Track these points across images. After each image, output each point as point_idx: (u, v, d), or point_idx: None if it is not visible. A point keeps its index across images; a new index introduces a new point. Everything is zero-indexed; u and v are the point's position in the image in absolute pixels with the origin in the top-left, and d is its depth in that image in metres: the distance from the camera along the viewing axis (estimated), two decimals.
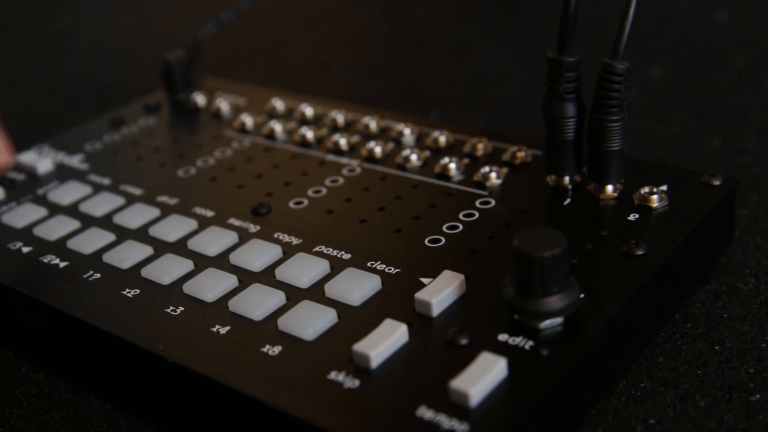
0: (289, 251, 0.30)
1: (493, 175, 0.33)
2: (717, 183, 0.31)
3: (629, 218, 0.30)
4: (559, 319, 0.25)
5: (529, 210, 0.31)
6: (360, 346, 0.25)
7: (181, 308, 0.28)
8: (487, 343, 0.25)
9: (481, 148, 0.35)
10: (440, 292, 0.26)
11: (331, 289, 0.28)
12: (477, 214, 0.31)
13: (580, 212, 0.31)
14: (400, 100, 0.49)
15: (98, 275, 0.30)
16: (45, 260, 0.31)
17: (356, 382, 0.24)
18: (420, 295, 0.26)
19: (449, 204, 0.32)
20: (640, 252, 0.28)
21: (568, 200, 0.31)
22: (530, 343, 0.25)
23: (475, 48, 0.55)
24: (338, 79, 0.53)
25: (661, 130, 0.42)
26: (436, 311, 0.26)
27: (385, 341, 0.25)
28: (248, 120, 0.39)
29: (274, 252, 0.30)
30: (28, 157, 0.38)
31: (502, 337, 0.25)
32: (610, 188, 0.31)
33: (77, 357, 0.30)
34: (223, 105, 0.41)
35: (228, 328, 0.27)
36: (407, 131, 0.37)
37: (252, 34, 0.62)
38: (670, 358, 0.28)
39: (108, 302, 0.29)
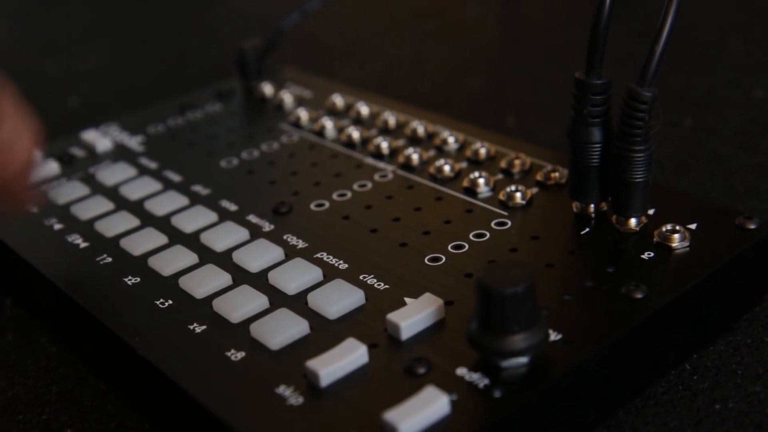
0: (290, 255, 0.30)
1: (518, 195, 0.31)
2: (752, 227, 0.28)
3: (643, 256, 0.28)
4: (523, 359, 0.24)
5: (543, 236, 0.29)
6: (313, 363, 0.24)
7: (170, 302, 0.28)
8: (443, 376, 0.24)
9: (518, 164, 0.33)
10: (412, 316, 0.26)
11: (313, 299, 0.27)
12: (488, 235, 0.30)
13: (594, 244, 0.29)
14: (481, 103, 0.47)
15: (110, 260, 0.31)
16: (70, 239, 0.32)
17: (300, 400, 0.24)
18: (391, 316, 0.26)
19: (465, 221, 0.31)
20: (638, 295, 0.26)
21: (587, 230, 0.29)
22: (486, 381, 0.23)
23: (575, 52, 0.52)
24: (428, 76, 0.52)
25: (742, 157, 0.39)
26: (405, 335, 0.25)
27: (341, 360, 0.24)
28: (303, 114, 0.39)
29: (275, 254, 0.30)
30: (89, 135, 0.40)
31: (461, 371, 0.24)
32: (633, 221, 0.29)
33: (77, 334, 0.31)
34: (287, 97, 0.41)
35: (204, 327, 0.27)
36: (451, 139, 0.36)
37: (359, 23, 0.62)
38: (663, 411, 0.26)
39: (107, 288, 0.29)
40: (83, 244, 0.32)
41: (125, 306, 0.28)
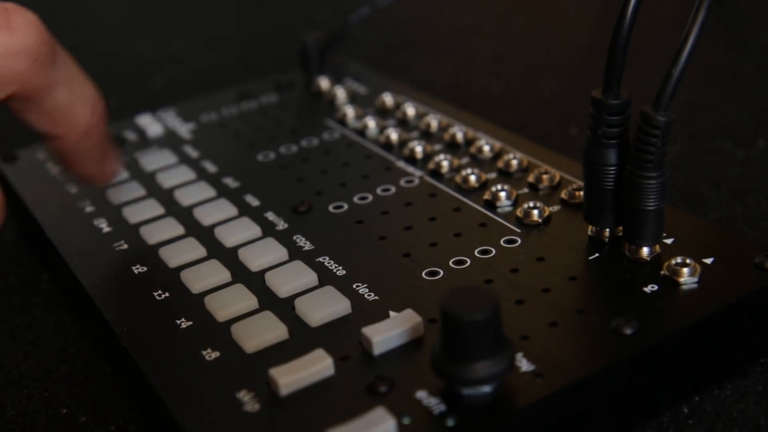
0: (294, 256, 0.30)
1: (536, 212, 0.30)
2: None
3: (645, 289, 0.26)
4: (486, 388, 0.23)
5: (549, 258, 0.28)
6: (276, 371, 0.24)
7: (167, 294, 0.29)
8: (403, 397, 0.23)
9: (546, 179, 0.32)
10: (387, 331, 0.25)
11: (299, 304, 0.27)
12: (493, 252, 0.29)
13: (599, 271, 0.27)
14: (548, 108, 0.46)
15: (125, 246, 0.31)
16: (95, 222, 0.33)
17: (256, 407, 0.24)
18: (366, 330, 0.25)
19: (475, 235, 0.30)
20: (627, 331, 0.25)
21: (596, 255, 0.28)
22: (442, 408, 0.23)
23: (659, 59, 0.50)
24: (503, 76, 0.51)
25: None
26: (377, 350, 0.25)
27: (305, 371, 0.24)
28: (350, 112, 0.39)
29: (278, 254, 0.30)
30: (143, 120, 0.41)
31: (420, 394, 0.23)
32: (645, 251, 0.28)
33: (85, 316, 0.32)
34: (339, 93, 0.41)
35: (190, 323, 0.27)
36: (486, 148, 0.35)
37: (447, 17, 0.61)
38: None
39: (113, 275, 0.30)
40: (107, 229, 0.33)
41: (125, 294, 0.29)
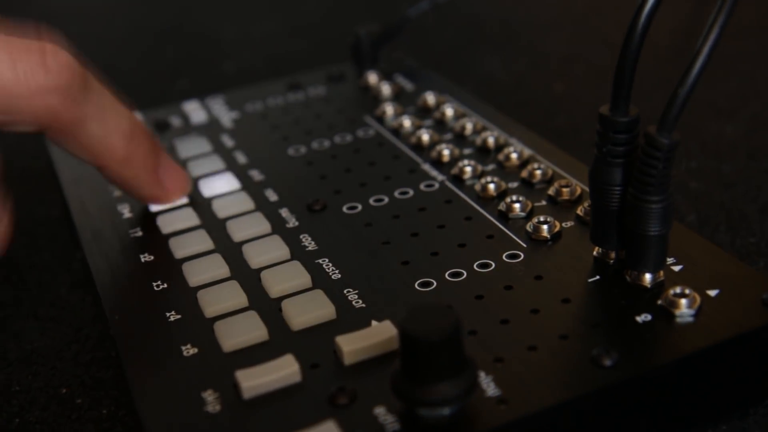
0: (295, 256, 0.30)
1: (545, 227, 0.29)
2: None
3: (638, 318, 0.25)
4: (444, 410, 0.22)
5: (548, 277, 0.27)
6: (241, 373, 0.24)
7: (165, 285, 0.29)
8: (360, 412, 0.23)
9: (566, 192, 0.31)
10: (360, 342, 0.25)
11: (285, 307, 0.27)
12: (492, 266, 0.28)
13: (595, 295, 0.26)
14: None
15: (140, 234, 0.32)
16: (119, 208, 0.34)
17: (217, 408, 0.24)
18: (339, 339, 0.25)
19: (479, 247, 0.29)
20: (606, 362, 0.23)
21: (597, 278, 0.27)
22: (396, 427, 0.22)
23: (735, 67, 0.48)
24: (567, 78, 0.49)
25: None
26: (348, 360, 0.25)
27: (270, 375, 0.24)
28: (389, 109, 0.39)
29: (279, 253, 0.30)
30: (189, 106, 0.41)
31: (379, 410, 0.23)
32: (648, 277, 0.26)
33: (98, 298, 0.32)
34: (385, 89, 0.41)
35: (179, 317, 0.27)
36: (514, 156, 0.34)
37: (528, 13, 0.59)
38: None
39: (121, 262, 0.31)
40: (127, 215, 0.33)
41: (126, 281, 0.29)
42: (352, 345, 0.25)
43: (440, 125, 0.37)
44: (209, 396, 0.24)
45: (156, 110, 0.41)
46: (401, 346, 0.22)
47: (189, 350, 0.26)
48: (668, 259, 0.27)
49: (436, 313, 0.22)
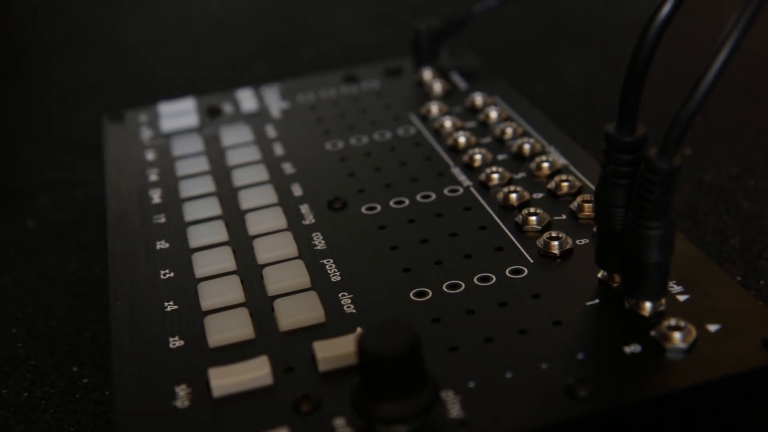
0: (301, 255, 0.30)
1: (556, 244, 0.28)
2: None
3: (626, 349, 0.24)
4: (401, 428, 0.22)
5: (546, 297, 0.26)
6: (213, 371, 0.24)
7: (171, 275, 0.29)
8: (320, 421, 0.23)
9: (587, 208, 0.30)
10: (336, 349, 0.24)
11: (277, 306, 0.27)
12: (492, 280, 0.27)
13: (589, 320, 0.25)
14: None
15: (162, 220, 0.33)
16: (150, 192, 0.34)
17: (186, 404, 0.24)
18: (317, 344, 0.25)
19: (484, 259, 0.28)
20: (581, 393, 0.22)
21: (596, 301, 0.26)
22: None
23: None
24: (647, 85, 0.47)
25: None
26: (322, 367, 0.24)
27: (241, 376, 0.24)
28: (434, 108, 0.38)
29: (286, 251, 0.30)
30: (242, 94, 0.41)
31: (338, 422, 0.23)
32: (647, 306, 0.25)
33: None
34: (436, 87, 0.40)
35: (176, 307, 0.28)
36: (545, 165, 0.32)
37: (617, 9, 0.57)
38: None
39: (137, 247, 0.31)
40: (156, 200, 0.34)
41: (137, 268, 0.30)
42: (328, 352, 0.24)
43: (483, 128, 0.37)
44: (182, 391, 0.24)
45: (211, 96, 0.42)
46: (359, 362, 0.22)
47: (176, 342, 0.26)
48: (676, 288, 0.26)
49: (395, 331, 0.22)
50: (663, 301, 0.25)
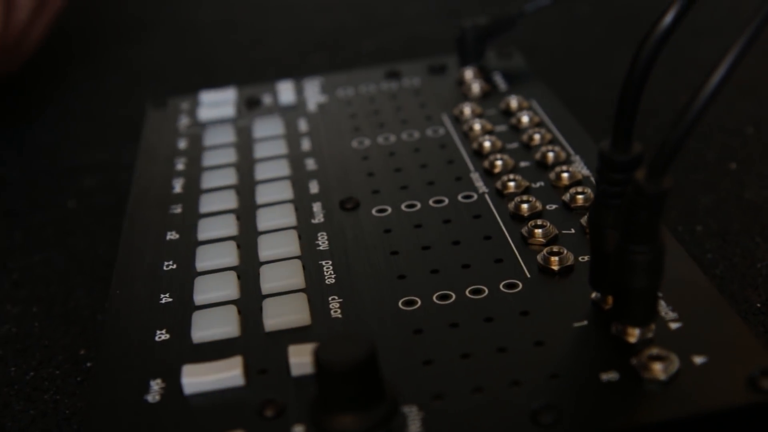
0: (303, 254, 0.29)
1: (556, 259, 0.27)
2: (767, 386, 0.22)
3: (603, 377, 0.23)
4: None
5: (535, 314, 0.25)
6: (187, 368, 0.24)
7: (173, 267, 0.30)
8: (277, 427, 0.23)
9: None
10: (310, 354, 0.24)
11: (265, 305, 0.27)
12: (485, 293, 0.27)
13: (572, 343, 0.24)
14: (726, 135, 0.40)
15: (178, 211, 0.33)
16: (174, 182, 0.35)
17: (156, 398, 0.24)
18: (291, 348, 0.25)
19: (482, 271, 0.28)
20: (544, 419, 0.22)
21: (584, 323, 0.25)
22: None
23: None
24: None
25: None
26: (295, 372, 0.24)
27: (213, 375, 0.24)
28: (467, 110, 0.37)
29: (288, 249, 0.30)
30: (283, 86, 0.42)
31: (298, 429, 0.22)
32: (634, 332, 0.24)
33: None
34: (474, 87, 0.39)
35: (170, 301, 0.28)
36: (565, 175, 0.31)
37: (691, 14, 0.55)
38: None
39: (148, 237, 0.32)
40: (177, 190, 0.34)
41: (144, 258, 0.30)
42: (302, 356, 0.24)
43: (513, 132, 0.36)
44: (156, 385, 0.25)
45: (253, 87, 0.42)
46: (315, 372, 0.21)
47: (162, 335, 0.27)
48: (670, 314, 0.25)
49: (353, 343, 0.21)
50: (653, 327, 0.24)
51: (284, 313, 0.26)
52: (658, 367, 0.23)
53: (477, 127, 0.36)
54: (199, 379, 0.24)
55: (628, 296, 0.24)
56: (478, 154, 0.34)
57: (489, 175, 0.33)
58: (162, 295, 0.28)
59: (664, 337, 0.24)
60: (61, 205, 0.41)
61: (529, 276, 0.27)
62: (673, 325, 0.24)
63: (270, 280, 0.28)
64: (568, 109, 0.37)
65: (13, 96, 0.52)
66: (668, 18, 0.22)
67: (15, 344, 0.32)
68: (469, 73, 0.41)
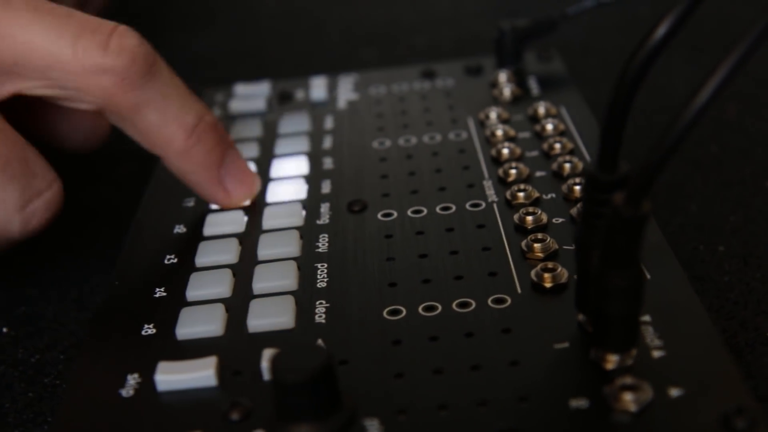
0: (301, 256, 0.29)
1: (548, 276, 0.26)
2: (741, 426, 0.21)
3: (572, 404, 0.22)
4: None
5: (517, 332, 0.25)
6: (162, 365, 0.25)
7: (174, 261, 0.30)
8: (237, 431, 0.23)
9: None
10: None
11: (252, 306, 0.27)
12: (472, 307, 0.26)
13: (548, 365, 0.24)
14: (763, 149, 0.39)
15: (191, 204, 0.33)
16: None
17: (130, 393, 0.24)
18: (266, 351, 0.25)
19: (473, 284, 0.27)
20: None
21: (565, 345, 0.24)
22: None
23: None
24: (746, 102, 0.43)
25: None
26: (267, 375, 0.24)
27: (185, 374, 0.24)
28: (493, 114, 0.37)
29: (287, 249, 0.30)
30: (316, 82, 0.42)
31: None
32: (611, 358, 0.23)
33: None
34: (506, 91, 0.39)
35: (164, 295, 0.28)
36: (577, 188, 0.31)
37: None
38: None
39: (156, 231, 0.32)
40: None
41: (148, 251, 0.31)
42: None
43: (537, 140, 0.35)
44: (132, 379, 0.25)
45: (288, 81, 0.42)
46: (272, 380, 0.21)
47: (149, 330, 0.27)
48: (656, 342, 0.24)
49: (310, 355, 0.21)
50: (633, 354, 0.23)
51: (268, 315, 0.26)
52: (628, 398, 0.22)
53: (499, 132, 0.35)
54: (172, 376, 0.24)
55: (606, 321, 0.23)
56: (496, 161, 0.34)
57: (502, 183, 0.32)
58: (157, 289, 0.29)
59: (645, 365, 0.23)
60: (94, 191, 0.42)
61: (519, 292, 0.27)
62: (656, 354, 0.23)
63: (262, 280, 0.28)
64: (596, 118, 0.36)
65: None
66: (657, 35, 0.21)
67: (28, 326, 0.33)
68: (502, 76, 0.40)
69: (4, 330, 0.33)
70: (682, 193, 0.36)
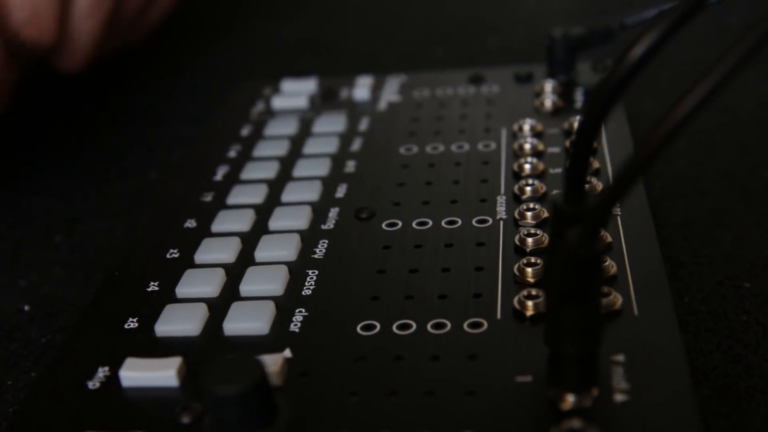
0: (297, 261, 0.29)
1: (530, 304, 0.26)
2: None
3: None
4: None
5: (483, 360, 0.24)
6: (129, 361, 0.25)
7: (176, 255, 0.30)
8: None
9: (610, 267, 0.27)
10: None
11: (232, 308, 0.27)
12: (447, 328, 0.25)
13: (502, 399, 0.23)
14: None
15: (209, 199, 0.34)
16: (217, 169, 0.36)
17: (96, 385, 0.25)
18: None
19: (455, 305, 0.26)
20: None
21: (528, 379, 0.23)
22: None
23: None
24: None
25: None
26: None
27: (149, 372, 0.25)
28: (526, 126, 0.36)
29: (284, 252, 0.29)
30: (362, 81, 0.41)
31: None
32: (566, 398, 0.22)
33: None
34: (547, 102, 0.37)
35: (157, 290, 0.29)
36: None
37: None
38: None
39: (166, 224, 0.32)
40: (218, 178, 0.35)
41: (154, 244, 0.31)
42: None
43: (565, 156, 0.34)
44: (102, 372, 0.25)
45: (335, 79, 0.42)
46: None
47: (131, 323, 0.27)
48: (623, 384, 0.23)
49: (242, 368, 0.21)
50: (593, 395, 0.22)
51: (245, 319, 0.26)
52: None
53: (527, 146, 0.34)
54: (136, 373, 0.25)
55: (557, 358, 0.22)
56: (516, 177, 0.33)
57: (516, 200, 0.31)
58: (151, 283, 0.29)
59: (603, 409, 0.22)
60: (144, 176, 0.43)
61: (498, 318, 0.26)
62: (619, 397, 0.22)
63: (250, 282, 0.28)
64: (634, 136, 0.34)
65: (139, 64, 0.54)
66: (626, 65, 0.20)
67: (47, 307, 0.34)
68: (547, 86, 0.39)
69: (26, 308, 0.34)
70: (720, 222, 0.34)
